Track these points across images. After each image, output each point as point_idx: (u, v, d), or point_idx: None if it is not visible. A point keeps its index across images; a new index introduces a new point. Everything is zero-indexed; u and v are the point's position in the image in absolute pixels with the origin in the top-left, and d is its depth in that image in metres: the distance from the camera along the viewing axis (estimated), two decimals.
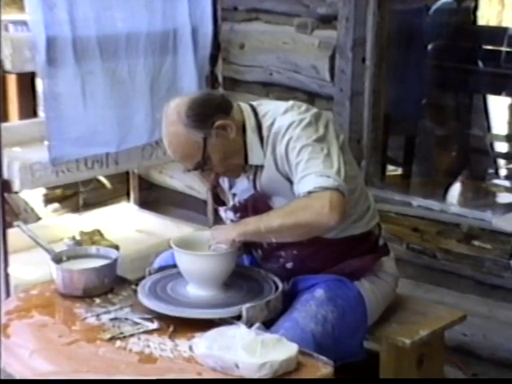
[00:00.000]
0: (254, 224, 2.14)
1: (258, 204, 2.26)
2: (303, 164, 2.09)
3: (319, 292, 2.22)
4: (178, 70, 3.37)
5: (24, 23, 2.97)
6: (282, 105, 2.27)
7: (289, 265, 2.30)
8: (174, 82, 3.36)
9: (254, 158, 2.23)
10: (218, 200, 2.41)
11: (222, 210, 2.38)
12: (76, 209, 3.91)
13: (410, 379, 2.41)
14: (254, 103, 2.31)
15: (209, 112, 2.18)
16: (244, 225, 2.16)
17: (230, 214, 2.34)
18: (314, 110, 2.24)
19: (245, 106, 2.28)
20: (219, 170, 2.25)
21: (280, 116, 2.21)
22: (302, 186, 2.07)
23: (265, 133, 2.22)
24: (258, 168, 2.25)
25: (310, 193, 2.04)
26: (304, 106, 2.25)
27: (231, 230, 2.18)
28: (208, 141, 2.16)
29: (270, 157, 2.20)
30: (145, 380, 1.84)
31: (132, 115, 3.24)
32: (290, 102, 2.27)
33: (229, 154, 2.21)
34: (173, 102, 2.21)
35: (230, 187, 2.36)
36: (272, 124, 2.21)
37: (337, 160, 2.11)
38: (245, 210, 2.29)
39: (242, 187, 2.31)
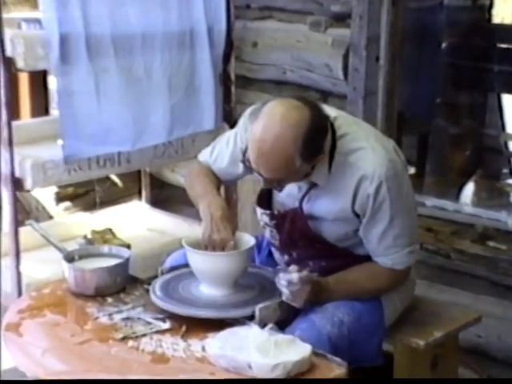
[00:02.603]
0: (325, 300, 2.17)
1: (296, 220, 2.24)
2: (396, 232, 2.17)
3: None
4: (195, 69, 3.35)
5: (37, 21, 2.95)
6: (362, 134, 2.19)
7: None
8: (192, 81, 3.35)
9: (318, 176, 2.17)
10: (261, 201, 2.35)
11: (258, 211, 2.35)
12: (88, 207, 3.91)
13: (410, 379, 2.38)
14: (332, 114, 2.19)
15: (320, 146, 2.08)
16: (316, 301, 2.14)
17: (266, 218, 2.32)
18: (400, 161, 2.21)
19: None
20: (286, 184, 2.18)
21: (365, 151, 2.13)
22: (392, 259, 2.21)
23: (337, 157, 2.15)
24: (315, 185, 2.20)
25: (395, 269, 2.22)
26: (390, 149, 2.20)
27: (303, 301, 2.11)
28: (301, 168, 2.08)
29: (348, 191, 2.13)
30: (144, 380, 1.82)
31: (148, 113, 3.21)
32: (372, 135, 2.21)
33: (304, 177, 2.15)
34: (289, 114, 2.03)
35: None
36: (349, 153, 2.14)
37: (416, 221, 2.28)
38: (282, 220, 2.27)
39: (289, 191, 2.25)
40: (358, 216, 2.18)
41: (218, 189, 2.39)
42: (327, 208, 2.20)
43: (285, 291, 2.09)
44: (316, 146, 2.07)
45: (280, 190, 2.22)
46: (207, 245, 2.18)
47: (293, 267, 2.11)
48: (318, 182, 2.18)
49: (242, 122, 2.33)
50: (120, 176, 4.01)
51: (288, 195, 2.27)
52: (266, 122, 2.03)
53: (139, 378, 1.83)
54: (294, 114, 2.03)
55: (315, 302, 2.14)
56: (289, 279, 2.08)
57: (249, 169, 2.16)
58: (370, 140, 2.18)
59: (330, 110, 2.23)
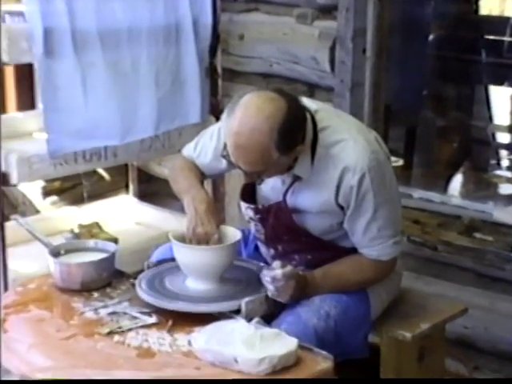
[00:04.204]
0: (311, 295, 2.16)
1: (280, 214, 2.24)
2: (381, 223, 2.16)
3: None
4: (181, 62, 3.34)
5: (21, 14, 2.93)
6: (343, 126, 2.18)
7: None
8: (179, 74, 3.33)
9: (300, 169, 2.17)
10: (245, 195, 2.34)
11: (243, 206, 2.34)
12: (75, 201, 3.89)
13: (406, 379, 2.39)
14: (312, 107, 2.19)
15: (298, 138, 2.08)
16: (303, 295, 2.14)
17: (250, 213, 2.31)
18: (382, 152, 2.21)
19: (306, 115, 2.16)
20: (267, 177, 2.20)
21: (347, 143, 2.12)
22: (377, 250, 2.20)
23: (319, 149, 2.14)
24: (298, 178, 2.20)
25: (380, 261, 2.21)
26: (372, 140, 2.20)
27: (289, 296, 2.10)
28: (279, 160, 2.07)
29: (331, 184, 2.13)
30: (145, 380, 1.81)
31: (136, 108, 3.19)
32: (354, 127, 2.21)
33: (284, 169, 2.16)
34: (265, 105, 2.02)
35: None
36: (331, 146, 2.13)
37: (400, 211, 2.26)
38: (266, 214, 2.27)
39: (273, 185, 2.26)
40: (342, 208, 2.18)
41: (202, 183, 2.38)
42: (311, 201, 2.20)
43: (270, 287, 2.09)
44: (293, 137, 2.06)
45: (260, 183, 2.22)
46: (192, 239, 2.18)
47: (276, 263, 2.11)
48: (301, 174, 2.18)
49: (224, 116, 2.33)
50: (107, 170, 3.99)
51: (272, 189, 2.27)
52: (241, 115, 2.03)
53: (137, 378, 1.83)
54: (270, 106, 2.02)
55: (301, 297, 2.14)
56: (273, 276, 2.08)
57: (230, 163, 2.16)
58: (351, 132, 2.17)
59: (311, 103, 2.22)
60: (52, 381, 1.83)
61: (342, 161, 2.12)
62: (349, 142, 2.14)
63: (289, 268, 2.09)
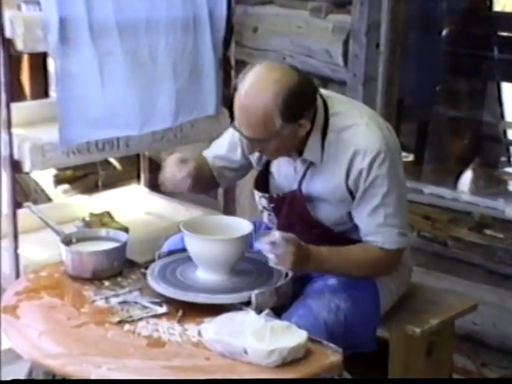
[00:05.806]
0: (315, 267, 2.15)
1: (295, 203, 2.24)
2: (388, 210, 2.16)
3: (332, 280, 2.21)
4: (198, 53, 3.34)
5: (36, 2, 2.94)
6: (355, 112, 2.19)
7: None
8: (196, 65, 3.33)
9: (310, 154, 2.18)
10: (259, 184, 2.35)
11: (257, 195, 2.35)
12: (86, 190, 3.91)
13: (409, 379, 2.39)
14: (324, 93, 2.22)
15: (303, 107, 2.08)
16: (306, 266, 2.12)
17: (264, 202, 2.31)
18: (393, 140, 2.21)
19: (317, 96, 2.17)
20: (267, 155, 2.21)
21: (358, 128, 2.14)
22: (382, 237, 2.18)
23: (330, 134, 2.15)
24: (311, 164, 2.20)
25: (385, 249, 2.19)
26: (384, 127, 2.20)
27: (290, 263, 2.08)
28: (282, 130, 2.08)
29: (342, 167, 2.14)
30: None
31: (155, 97, 3.19)
32: (365, 113, 2.22)
33: (287, 146, 2.16)
34: (275, 71, 2.07)
35: (268, 162, 2.33)
36: (342, 130, 2.14)
37: (406, 203, 2.24)
38: (280, 203, 2.27)
39: (286, 173, 2.27)
40: (352, 194, 2.18)
41: (205, 172, 2.37)
42: (323, 187, 2.20)
43: (270, 256, 2.07)
44: (298, 107, 2.07)
45: (260, 164, 2.23)
46: (167, 185, 2.24)
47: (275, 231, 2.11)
48: (311, 158, 2.18)
49: None
50: (119, 159, 4.01)
51: (285, 177, 2.27)
52: (250, 78, 2.07)
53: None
54: (279, 72, 2.07)
55: (305, 268, 2.13)
56: (271, 240, 2.05)
57: (236, 130, 2.15)
58: (363, 117, 2.18)
59: (323, 91, 2.24)
60: (52, 380, 1.84)
61: (352, 145, 2.13)
62: (360, 127, 2.14)
63: (289, 234, 2.08)
